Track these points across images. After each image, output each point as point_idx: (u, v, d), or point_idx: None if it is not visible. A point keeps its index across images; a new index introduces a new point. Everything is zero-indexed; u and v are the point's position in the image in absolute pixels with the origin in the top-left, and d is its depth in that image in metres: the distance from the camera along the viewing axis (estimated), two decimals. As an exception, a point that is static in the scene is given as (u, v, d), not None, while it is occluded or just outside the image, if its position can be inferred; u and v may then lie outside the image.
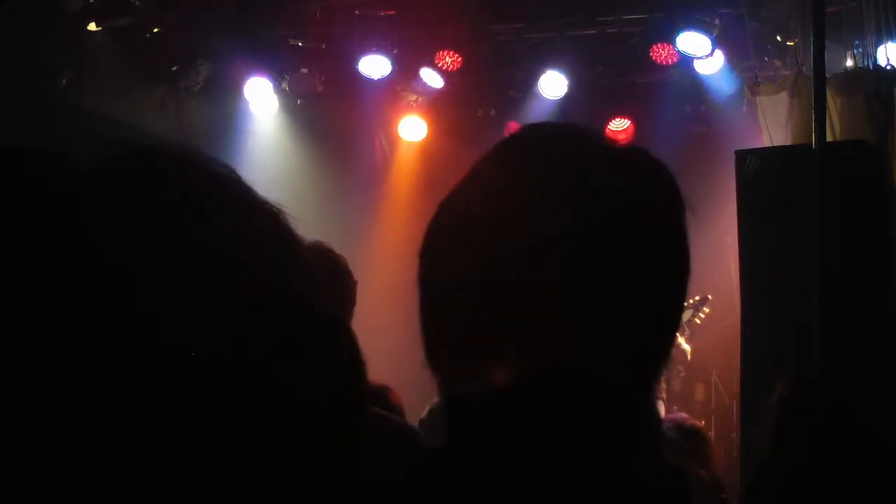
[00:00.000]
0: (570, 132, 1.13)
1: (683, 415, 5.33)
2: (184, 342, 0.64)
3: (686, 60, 7.23)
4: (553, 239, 1.01)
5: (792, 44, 6.88)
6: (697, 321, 7.20)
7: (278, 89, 7.95)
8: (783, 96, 6.70)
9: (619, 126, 8.08)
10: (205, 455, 0.64)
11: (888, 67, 6.23)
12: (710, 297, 7.13)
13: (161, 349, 0.63)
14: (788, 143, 6.23)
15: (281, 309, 0.69)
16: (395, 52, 7.62)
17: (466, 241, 1.04)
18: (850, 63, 6.59)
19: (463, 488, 1.01)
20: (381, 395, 2.55)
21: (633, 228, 1.05)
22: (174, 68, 7.57)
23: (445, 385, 1.05)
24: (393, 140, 8.39)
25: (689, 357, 7.20)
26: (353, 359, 0.74)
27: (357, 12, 7.52)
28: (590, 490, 1.02)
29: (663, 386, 7.00)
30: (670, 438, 4.16)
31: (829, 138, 4.97)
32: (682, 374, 7.23)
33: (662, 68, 7.40)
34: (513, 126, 7.83)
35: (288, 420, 0.67)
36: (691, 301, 7.22)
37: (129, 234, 0.65)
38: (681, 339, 7.09)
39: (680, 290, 1.08)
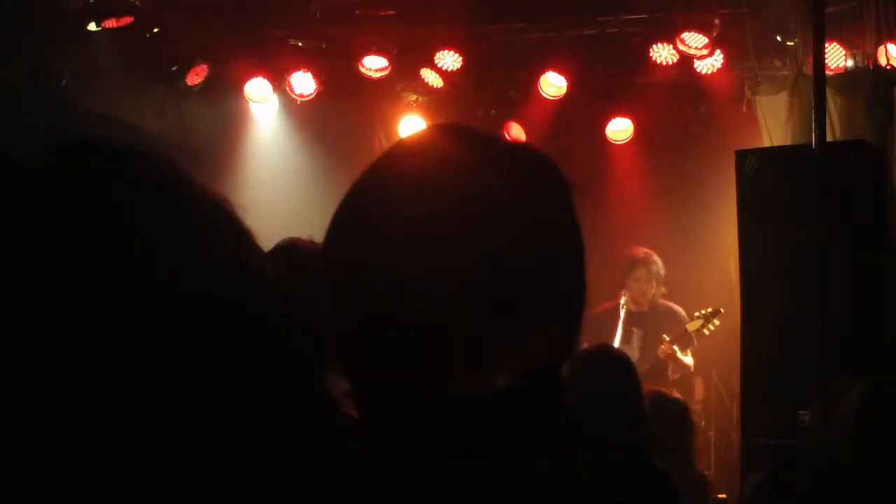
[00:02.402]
0: (468, 131, 1.13)
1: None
2: (132, 338, 0.63)
3: (686, 60, 7.23)
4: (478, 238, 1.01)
5: (792, 44, 6.88)
6: (706, 332, 7.17)
7: (278, 89, 7.95)
8: (783, 96, 6.70)
9: (619, 126, 8.09)
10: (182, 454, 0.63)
11: (888, 67, 6.23)
12: (721, 310, 7.08)
13: (107, 347, 0.62)
14: (788, 143, 6.23)
15: (229, 298, 0.68)
16: (395, 52, 7.62)
17: (379, 242, 1.02)
18: (850, 63, 6.60)
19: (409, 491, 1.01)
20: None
21: (541, 213, 1.07)
22: (174, 68, 7.57)
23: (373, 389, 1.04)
24: (393, 140, 8.37)
25: (691, 370, 7.17)
26: (307, 348, 0.74)
27: (357, 12, 7.52)
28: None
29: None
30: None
31: (829, 138, 4.97)
32: (677, 375, 7.20)
33: (662, 68, 7.39)
34: (513, 126, 7.83)
35: (248, 412, 0.67)
36: (703, 312, 7.18)
37: (64, 231, 0.64)
38: (683, 355, 7.06)
39: (579, 271, 1.08)
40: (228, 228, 0.71)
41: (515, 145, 1.12)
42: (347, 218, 1.06)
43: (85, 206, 0.65)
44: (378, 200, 1.05)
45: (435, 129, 1.13)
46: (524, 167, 1.08)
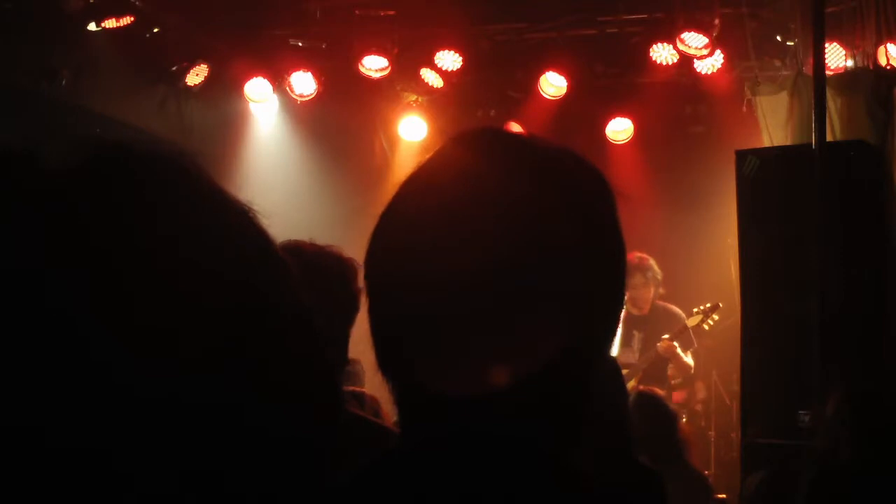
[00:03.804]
0: (510, 136, 1.14)
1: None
2: (151, 349, 0.62)
3: (686, 60, 7.23)
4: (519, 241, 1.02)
5: (792, 44, 6.88)
6: (706, 327, 7.19)
7: (278, 89, 7.95)
8: (783, 96, 6.70)
9: (619, 126, 8.09)
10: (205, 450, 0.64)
11: (888, 67, 6.24)
12: (720, 304, 7.11)
13: (129, 359, 0.62)
14: (788, 143, 6.23)
15: (252, 309, 0.68)
16: (395, 52, 7.62)
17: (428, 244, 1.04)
18: (850, 63, 6.60)
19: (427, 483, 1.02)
20: (359, 398, 2.54)
21: (589, 220, 1.08)
22: (174, 68, 7.58)
23: (413, 386, 1.05)
24: (393, 140, 8.39)
25: (692, 372, 7.17)
26: (324, 359, 0.74)
27: (357, 12, 7.52)
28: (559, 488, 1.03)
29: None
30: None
31: (829, 138, 4.97)
32: (679, 380, 7.20)
33: (662, 68, 7.40)
34: (513, 126, 7.83)
35: (267, 417, 0.67)
36: (702, 307, 7.20)
37: (94, 235, 0.64)
38: (685, 356, 7.07)
39: (606, 275, 1.09)
40: (255, 240, 0.71)
41: (551, 151, 1.11)
42: (381, 230, 1.10)
43: (116, 213, 0.65)
44: (409, 211, 1.09)
45: (466, 138, 1.13)
46: (555, 174, 1.08)
